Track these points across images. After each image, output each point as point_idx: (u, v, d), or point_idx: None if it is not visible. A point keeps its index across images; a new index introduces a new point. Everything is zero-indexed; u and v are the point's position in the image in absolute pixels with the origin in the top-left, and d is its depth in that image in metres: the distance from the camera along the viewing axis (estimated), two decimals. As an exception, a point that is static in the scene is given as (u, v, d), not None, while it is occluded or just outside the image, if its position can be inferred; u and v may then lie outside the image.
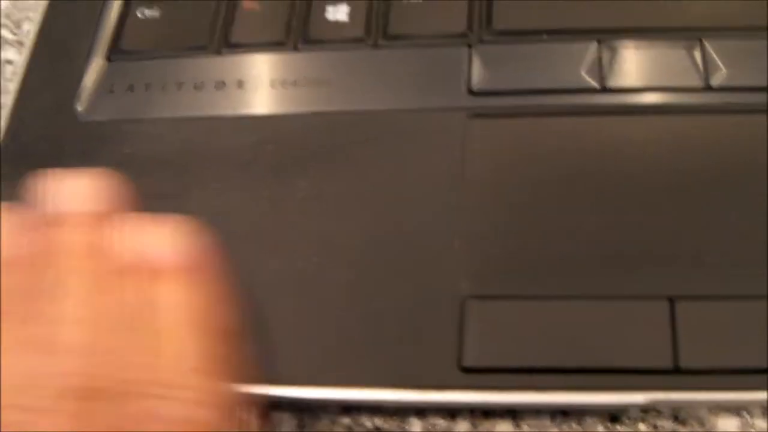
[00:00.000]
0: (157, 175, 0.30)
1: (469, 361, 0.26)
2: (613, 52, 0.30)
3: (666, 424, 0.27)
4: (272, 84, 0.31)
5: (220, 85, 0.31)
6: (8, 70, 0.36)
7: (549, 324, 0.26)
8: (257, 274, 0.28)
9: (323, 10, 0.32)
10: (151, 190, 0.29)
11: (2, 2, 0.38)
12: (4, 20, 0.38)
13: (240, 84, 0.31)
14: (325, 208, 0.28)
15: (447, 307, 0.27)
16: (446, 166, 0.28)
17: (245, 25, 0.32)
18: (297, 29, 0.32)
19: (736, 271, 0.26)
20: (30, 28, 0.37)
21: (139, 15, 0.33)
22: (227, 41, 0.32)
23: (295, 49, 0.31)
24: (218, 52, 0.32)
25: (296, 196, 0.29)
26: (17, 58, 0.37)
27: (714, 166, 0.28)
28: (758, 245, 0.26)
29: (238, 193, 0.29)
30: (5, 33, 0.37)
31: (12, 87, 0.35)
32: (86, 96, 0.32)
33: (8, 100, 0.33)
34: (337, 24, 0.31)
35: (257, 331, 0.27)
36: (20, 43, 0.37)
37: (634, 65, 0.29)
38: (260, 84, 0.31)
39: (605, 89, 0.29)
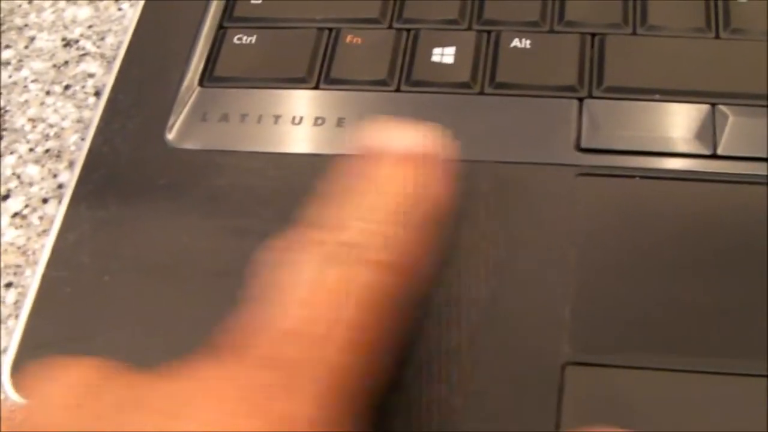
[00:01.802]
0: (251, 210, 0.29)
1: (566, 428, 0.25)
2: (726, 117, 0.29)
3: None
4: (373, 124, 0.30)
5: (319, 121, 0.30)
6: (89, 83, 0.36)
7: (646, 395, 0.25)
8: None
9: (429, 51, 0.31)
10: (244, 225, 0.29)
11: (83, 10, 0.37)
12: (86, 31, 0.37)
13: (340, 122, 0.30)
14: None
15: (548, 371, 0.26)
16: (554, 224, 0.28)
17: (347, 59, 0.31)
18: (401, 69, 0.31)
19: None
20: (113, 41, 0.36)
21: (235, 41, 0.32)
22: (328, 75, 0.31)
23: (398, 89, 0.31)
24: (317, 86, 0.31)
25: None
26: (99, 71, 0.36)
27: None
28: None
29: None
30: (88, 45, 0.37)
31: (93, 102, 0.34)
32: (177, 122, 0.31)
33: (90, 115, 0.33)
34: (442, 66, 0.31)
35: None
36: (102, 56, 0.36)
37: (747, 133, 0.29)
38: (361, 123, 0.30)
39: (717, 155, 0.29)
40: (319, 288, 0.23)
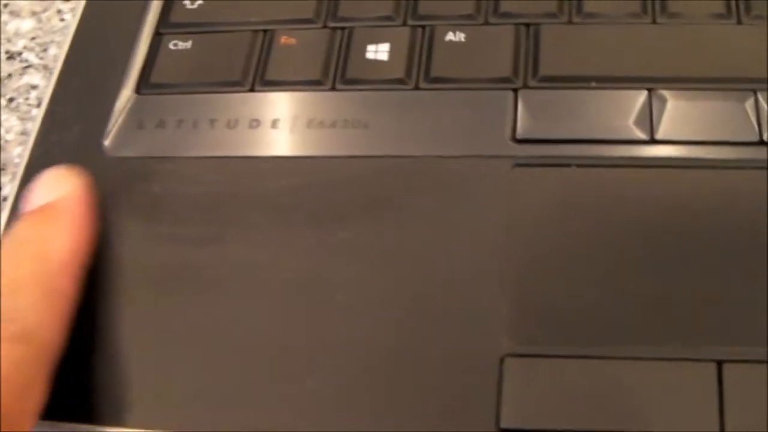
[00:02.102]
0: (189, 216, 0.29)
1: (506, 423, 0.25)
2: (664, 102, 0.29)
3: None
4: (308, 124, 0.30)
5: (255, 123, 0.30)
6: (33, 95, 0.35)
7: (591, 385, 0.25)
8: (293, 325, 0.27)
9: (364, 49, 0.31)
10: (184, 232, 0.29)
11: (26, 22, 0.37)
12: (29, 43, 0.37)
13: (275, 123, 0.30)
14: (366, 258, 0.27)
15: (486, 364, 0.26)
16: (490, 217, 0.27)
17: (282, 61, 0.31)
18: (335, 68, 0.31)
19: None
20: (57, 53, 0.36)
21: (171, 47, 0.32)
22: (263, 78, 0.31)
23: (333, 88, 0.30)
24: (252, 89, 0.31)
25: (336, 246, 0.28)
26: (42, 83, 0.36)
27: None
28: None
29: (274, 240, 0.28)
30: (31, 56, 0.36)
31: (37, 113, 0.34)
32: (115, 130, 0.31)
33: (32, 126, 0.32)
34: (377, 63, 0.30)
35: (287, 381, 0.26)
36: (46, 68, 0.36)
37: (684, 116, 0.28)
38: (296, 124, 0.30)
39: (654, 141, 0.28)
40: None
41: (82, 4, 0.34)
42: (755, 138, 0.28)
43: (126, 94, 0.31)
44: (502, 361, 0.25)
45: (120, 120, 0.31)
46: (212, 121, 0.30)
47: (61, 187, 0.28)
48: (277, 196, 0.29)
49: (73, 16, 0.36)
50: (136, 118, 0.31)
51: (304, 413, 0.26)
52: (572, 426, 0.25)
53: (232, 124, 0.30)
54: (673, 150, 0.28)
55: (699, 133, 0.28)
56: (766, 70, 0.29)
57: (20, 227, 0.28)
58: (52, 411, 0.26)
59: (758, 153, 0.28)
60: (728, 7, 0.30)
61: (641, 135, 0.28)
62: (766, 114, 0.28)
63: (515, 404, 0.25)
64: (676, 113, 0.29)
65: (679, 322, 0.26)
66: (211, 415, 0.26)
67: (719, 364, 0.25)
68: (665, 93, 0.29)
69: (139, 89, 0.32)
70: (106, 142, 0.31)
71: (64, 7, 0.37)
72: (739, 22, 0.30)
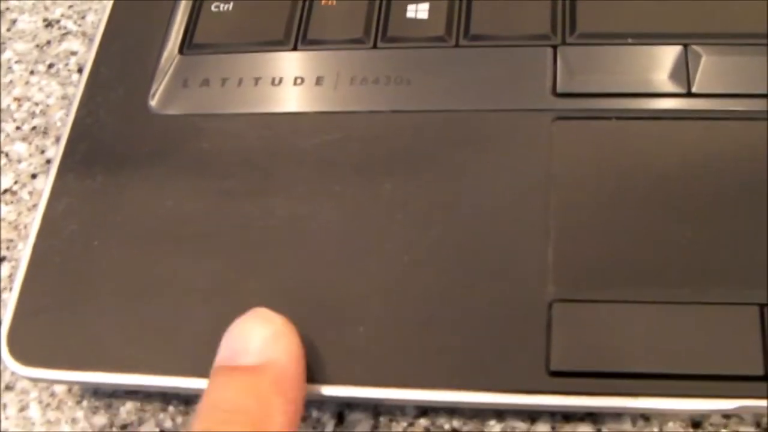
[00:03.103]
0: (237, 173, 0.29)
1: (556, 365, 0.26)
2: (698, 57, 0.29)
3: (748, 430, 0.27)
4: (352, 81, 0.30)
5: (299, 81, 0.31)
6: (72, 61, 0.36)
7: (637, 329, 0.26)
8: (343, 274, 0.27)
9: (404, 8, 0.31)
10: (232, 187, 0.29)
11: (63, -8, 0.38)
12: (67, 11, 0.37)
13: (319, 80, 0.31)
14: (411, 210, 0.28)
15: (534, 310, 0.26)
16: (532, 168, 0.28)
17: (323, 20, 0.32)
18: (377, 27, 0.31)
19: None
20: (95, 20, 0.36)
21: (213, 8, 0.32)
22: (305, 37, 0.31)
23: (375, 47, 0.31)
24: (295, 48, 0.31)
25: (381, 198, 0.28)
26: (81, 49, 0.36)
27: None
28: None
29: (321, 193, 0.29)
30: (69, 24, 0.37)
31: (77, 79, 0.34)
32: (160, 90, 0.31)
33: (73, 91, 0.33)
34: (417, 22, 0.31)
35: (339, 329, 0.27)
36: (84, 35, 0.37)
37: (720, 70, 0.29)
38: (340, 81, 0.30)
39: (690, 94, 0.29)
40: None
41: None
42: (791, 90, 0.29)
43: (169, 54, 0.32)
44: (550, 306, 0.26)
45: (165, 79, 0.32)
46: (257, 79, 0.31)
47: (279, 345, 0.25)
48: (322, 151, 0.29)
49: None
50: (180, 77, 0.31)
51: (357, 359, 0.26)
52: (620, 368, 0.25)
53: (276, 82, 0.31)
54: (708, 103, 0.29)
55: (733, 86, 0.29)
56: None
57: (233, 388, 0.24)
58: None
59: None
60: (760, -35, 0.31)
61: (678, 89, 0.29)
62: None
63: (564, 348, 0.26)
64: (710, 67, 0.29)
65: (720, 267, 0.26)
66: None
67: (762, 307, 0.26)
68: (699, 48, 0.30)
69: (182, 50, 0.32)
70: (152, 101, 0.31)
71: (100, -25, 0.38)
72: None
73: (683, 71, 0.29)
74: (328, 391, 0.26)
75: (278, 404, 0.24)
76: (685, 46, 0.30)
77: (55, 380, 0.28)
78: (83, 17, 0.37)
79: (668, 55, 0.30)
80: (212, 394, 0.24)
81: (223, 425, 0.23)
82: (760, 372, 0.25)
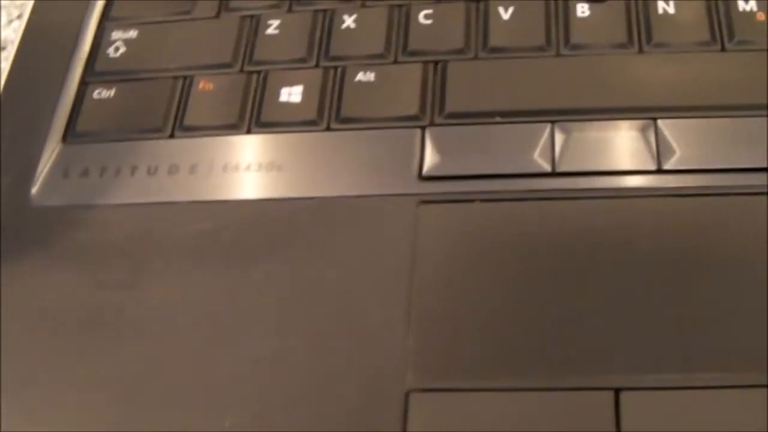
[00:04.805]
0: (111, 263, 0.30)
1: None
2: (567, 134, 0.29)
3: None
4: (224, 169, 0.31)
5: (174, 169, 0.31)
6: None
7: (494, 418, 0.26)
8: (211, 361, 0.28)
9: (277, 92, 0.31)
10: (107, 277, 0.30)
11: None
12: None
13: (193, 169, 0.31)
14: (278, 296, 0.28)
15: (391, 400, 0.26)
16: (396, 253, 0.28)
17: (200, 106, 0.32)
18: (250, 112, 0.31)
19: (684, 361, 0.26)
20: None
21: (95, 95, 0.33)
22: (182, 123, 0.32)
23: (248, 132, 0.31)
24: (172, 135, 0.32)
25: (250, 285, 0.28)
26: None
27: (666, 250, 0.28)
28: (708, 333, 0.26)
29: (193, 282, 0.29)
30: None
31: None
32: (41, 180, 0.32)
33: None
34: (290, 106, 0.31)
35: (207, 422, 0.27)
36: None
37: (586, 148, 0.29)
38: (213, 168, 0.31)
39: (556, 173, 0.29)
40: None
41: (12, 53, 0.35)
42: (654, 167, 0.29)
43: (53, 143, 0.32)
44: (407, 396, 0.26)
45: (46, 170, 0.32)
46: (133, 168, 0.31)
47: None
48: (194, 239, 0.30)
49: (6, 62, 0.37)
50: (61, 167, 0.32)
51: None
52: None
53: (152, 171, 0.31)
54: (573, 182, 0.29)
55: (600, 163, 0.29)
56: (666, 98, 0.30)
57: None
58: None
59: (657, 181, 0.29)
60: (630, 36, 0.31)
61: (545, 167, 0.29)
62: (664, 142, 0.29)
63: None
64: (578, 145, 0.29)
65: (577, 351, 0.26)
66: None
67: (617, 392, 0.26)
68: (568, 125, 0.30)
69: (65, 138, 0.33)
70: (33, 192, 0.32)
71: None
72: (641, 51, 0.31)
73: (548, 149, 0.29)
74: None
75: None
76: (553, 122, 0.30)
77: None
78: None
79: (537, 132, 0.30)
80: None
81: None
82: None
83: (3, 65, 0.35)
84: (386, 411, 0.26)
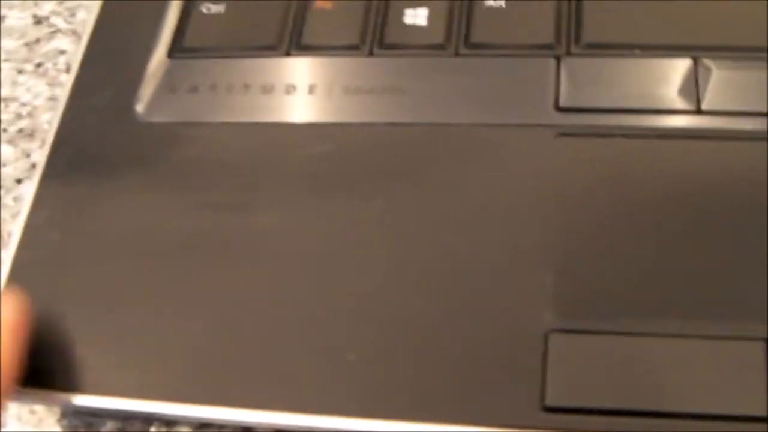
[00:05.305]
0: (222, 183, 0.28)
1: (551, 401, 0.24)
2: (710, 71, 0.28)
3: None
4: (345, 90, 0.29)
5: (291, 89, 0.29)
6: (61, 60, 0.35)
7: (637, 364, 0.24)
8: (329, 295, 0.26)
9: (401, 14, 0.30)
10: (216, 199, 0.28)
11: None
12: (57, 7, 0.36)
13: (311, 89, 0.29)
14: (403, 229, 0.27)
15: (530, 340, 0.25)
16: (532, 188, 0.27)
17: (317, 25, 0.30)
18: (372, 33, 0.30)
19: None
20: (85, 18, 0.35)
21: (203, 10, 0.31)
22: (298, 42, 0.30)
23: (371, 54, 0.30)
24: (288, 54, 0.30)
25: (372, 215, 0.27)
26: (71, 48, 0.35)
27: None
28: None
29: (308, 207, 0.27)
30: (59, 21, 0.36)
31: (66, 79, 0.33)
32: (146, 95, 0.30)
33: (61, 92, 0.32)
34: (415, 29, 0.30)
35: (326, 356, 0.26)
36: (74, 33, 0.35)
37: (730, 87, 0.28)
38: (332, 90, 0.29)
39: (699, 111, 0.27)
40: None
41: (111, -32, 0.33)
42: (804, 109, 0.27)
43: (158, 58, 0.31)
44: (546, 337, 0.25)
45: (152, 85, 0.30)
46: (246, 86, 0.30)
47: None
48: (312, 164, 0.28)
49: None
50: (168, 82, 0.30)
51: (344, 388, 0.25)
52: (618, 406, 0.24)
53: (267, 89, 0.29)
54: (718, 121, 0.27)
55: (745, 103, 0.28)
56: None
57: None
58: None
59: (807, 124, 0.27)
60: (777, -26, 0.29)
61: (686, 105, 0.28)
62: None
63: (560, 382, 0.24)
64: (721, 83, 0.28)
65: (726, 299, 0.25)
66: (241, 390, 0.25)
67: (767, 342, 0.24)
68: (710, 62, 0.28)
69: (171, 53, 0.31)
70: (138, 107, 0.30)
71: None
72: (788, -11, 0.29)
73: (692, 86, 0.28)
74: (308, 421, 0.25)
75: None
76: (696, 59, 0.28)
77: (32, 400, 0.27)
78: (73, 14, 0.36)
79: (677, 68, 0.28)
80: None
81: None
82: (764, 413, 0.23)
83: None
84: (525, 352, 0.25)
